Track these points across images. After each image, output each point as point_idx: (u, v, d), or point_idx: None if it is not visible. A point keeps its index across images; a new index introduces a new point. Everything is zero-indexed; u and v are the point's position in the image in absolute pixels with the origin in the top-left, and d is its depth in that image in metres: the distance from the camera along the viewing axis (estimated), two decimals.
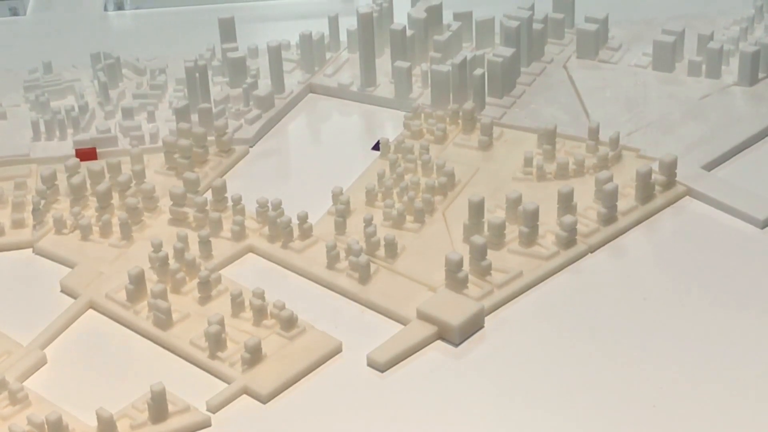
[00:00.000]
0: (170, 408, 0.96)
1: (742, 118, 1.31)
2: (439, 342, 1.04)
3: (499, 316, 1.07)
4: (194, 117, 1.33)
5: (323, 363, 1.02)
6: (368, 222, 1.13)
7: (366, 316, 1.08)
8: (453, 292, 1.07)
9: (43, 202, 1.20)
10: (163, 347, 1.05)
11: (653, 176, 1.19)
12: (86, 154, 1.29)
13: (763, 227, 1.16)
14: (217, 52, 1.46)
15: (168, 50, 1.51)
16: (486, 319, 1.06)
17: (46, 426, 0.94)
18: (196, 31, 1.58)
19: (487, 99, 1.36)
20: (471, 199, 1.13)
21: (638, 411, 0.96)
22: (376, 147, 1.30)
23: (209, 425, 0.97)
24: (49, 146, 1.32)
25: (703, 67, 1.39)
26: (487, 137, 1.28)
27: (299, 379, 1.01)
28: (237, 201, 1.19)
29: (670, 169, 1.20)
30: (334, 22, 1.49)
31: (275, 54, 1.39)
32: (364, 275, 1.10)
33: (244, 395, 0.99)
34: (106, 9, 1.71)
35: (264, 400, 0.99)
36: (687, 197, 1.20)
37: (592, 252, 1.14)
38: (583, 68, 1.43)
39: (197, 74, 1.35)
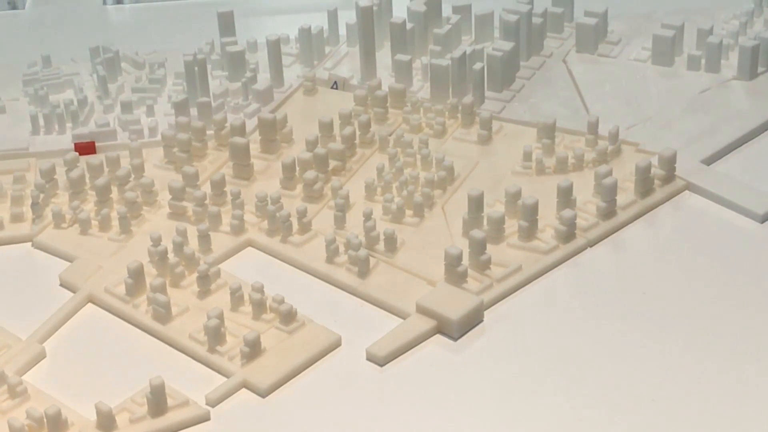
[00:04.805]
0: (169, 402, 0.96)
1: (741, 112, 1.31)
2: (438, 336, 1.04)
3: (499, 310, 1.07)
4: (193, 111, 1.33)
5: (322, 357, 1.02)
6: (367, 216, 1.13)
7: (365, 310, 1.08)
8: (452, 286, 1.07)
9: (42, 196, 1.20)
10: (162, 341, 1.05)
11: (652, 170, 1.19)
12: (85, 148, 1.29)
13: (762, 222, 1.16)
14: (216, 46, 1.46)
15: (167, 44, 1.51)
16: (485, 313, 1.06)
17: (45, 420, 0.94)
18: (195, 24, 1.58)
19: (487, 93, 1.35)
20: (470, 193, 1.13)
21: (637, 405, 0.96)
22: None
23: (208, 419, 0.97)
24: (48, 140, 1.32)
25: (703, 61, 1.39)
26: (487, 131, 1.28)
27: (298, 373, 1.00)
28: (236, 195, 1.18)
29: (669, 163, 1.19)
30: (333, 16, 1.48)
31: (274, 48, 1.39)
32: (364, 269, 1.10)
33: (244, 389, 0.99)
34: (105, 2, 1.71)
35: (263, 394, 0.99)
36: (686, 192, 1.20)
37: (591, 246, 1.14)
38: (582, 62, 1.43)
39: (196, 68, 1.35)
